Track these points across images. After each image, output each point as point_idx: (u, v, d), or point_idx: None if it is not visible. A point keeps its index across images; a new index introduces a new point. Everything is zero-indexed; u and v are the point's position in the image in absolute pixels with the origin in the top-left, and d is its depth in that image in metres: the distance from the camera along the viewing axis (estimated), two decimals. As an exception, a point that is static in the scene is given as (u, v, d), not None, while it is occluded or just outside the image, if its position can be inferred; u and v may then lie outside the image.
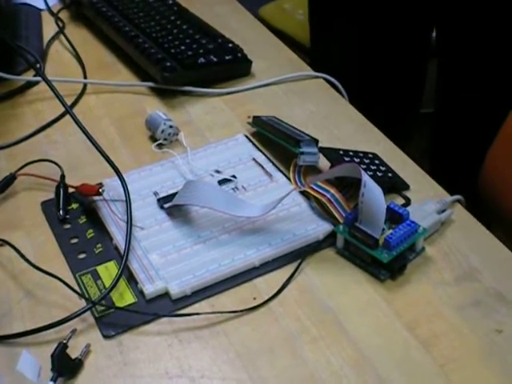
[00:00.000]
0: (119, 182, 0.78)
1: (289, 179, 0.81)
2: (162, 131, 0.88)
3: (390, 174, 0.81)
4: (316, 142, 0.82)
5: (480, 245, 0.74)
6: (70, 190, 0.81)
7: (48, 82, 0.85)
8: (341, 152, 0.82)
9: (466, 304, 0.67)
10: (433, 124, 1.46)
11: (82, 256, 0.74)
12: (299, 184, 0.79)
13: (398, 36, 1.30)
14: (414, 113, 1.49)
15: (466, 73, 1.28)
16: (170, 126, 0.89)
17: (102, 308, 0.68)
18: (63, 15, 1.21)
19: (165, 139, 0.89)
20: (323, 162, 0.82)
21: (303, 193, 0.79)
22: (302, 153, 0.80)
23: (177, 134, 0.90)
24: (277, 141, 0.85)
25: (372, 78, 1.35)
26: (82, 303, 0.68)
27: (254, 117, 0.90)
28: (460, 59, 1.28)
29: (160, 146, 0.88)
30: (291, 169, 0.81)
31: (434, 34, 1.36)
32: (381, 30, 1.30)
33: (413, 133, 1.52)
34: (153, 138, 0.90)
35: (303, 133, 0.84)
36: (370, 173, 0.78)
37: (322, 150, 0.82)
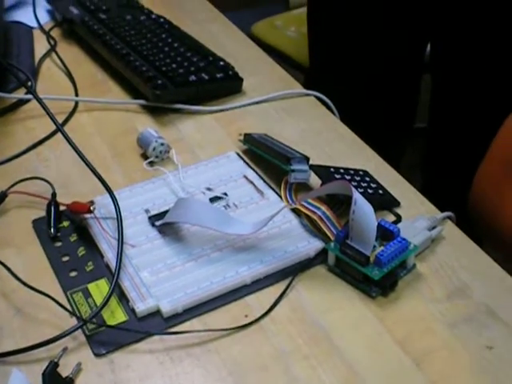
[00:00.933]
0: (110, 199, 0.78)
1: (280, 196, 0.81)
2: (154, 149, 0.89)
3: (380, 191, 0.81)
4: (307, 159, 0.82)
5: (471, 261, 0.74)
6: (61, 207, 0.81)
7: (39, 100, 0.85)
8: (331, 169, 0.82)
9: (458, 320, 0.67)
10: (425, 139, 1.47)
11: (73, 274, 0.74)
12: (290, 201, 0.79)
13: (392, 51, 1.31)
14: (407, 128, 1.50)
15: (459, 88, 1.29)
16: (162, 144, 0.89)
17: (93, 326, 0.68)
18: (55, 33, 1.21)
19: (156, 157, 0.89)
20: (314, 180, 0.83)
21: (294, 210, 0.79)
22: (293, 170, 0.80)
23: (168, 152, 0.90)
24: (268, 158, 0.85)
25: (366, 93, 1.36)
26: (73, 321, 0.68)
27: (246, 134, 0.90)
28: (454, 75, 1.29)
29: (151, 163, 0.88)
30: (282, 186, 0.81)
31: (427, 50, 1.37)
32: (376, 45, 1.30)
33: (406, 148, 1.53)
34: (144, 156, 0.90)
35: (294, 150, 0.85)
36: (361, 190, 0.79)
37: (313, 168, 0.82)
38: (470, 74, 1.25)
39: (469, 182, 1.04)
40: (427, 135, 1.46)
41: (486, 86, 1.25)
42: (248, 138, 0.90)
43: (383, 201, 0.80)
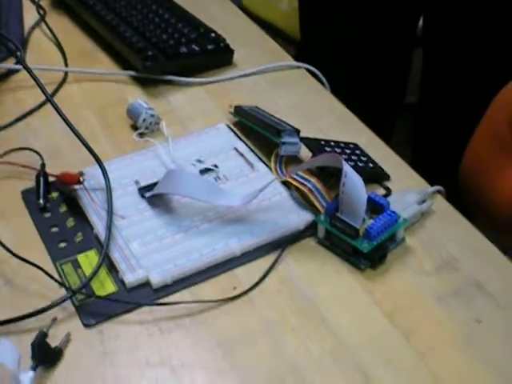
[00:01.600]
0: (100, 170, 0.77)
1: (270, 169, 0.81)
2: (144, 120, 0.88)
3: (370, 165, 0.81)
4: (297, 132, 0.82)
5: (460, 235, 0.74)
6: (51, 178, 0.80)
7: (29, 71, 0.84)
8: (322, 142, 0.82)
9: (446, 294, 0.68)
10: (416, 114, 1.47)
11: (62, 245, 0.74)
12: (280, 174, 0.79)
13: (384, 24, 1.31)
14: (398, 103, 1.50)
15: (451, 63, 1.29)
16: (152, 115, 0.89)
17: (83, 297, 0.68)
18: (44, 3, 1.20)
19: (146, 128, 0.89)
20: (304, 152, 0.82)
21: (284, 183, 0.79)
22: (284, 143, 0.80)
23: (158, 123, 0.89)
24: (258, 130, 0.85)
25: (357, 67, 1.36)
26: (63, 292, 0.68)
27: (236, 106, 0.90)
28: (446, 49, 1.29)
29: (141, 134, 0.88)
30: (272, 159, 0.81)
31: (419, 24, 1.36)
32: (367, 19, 1.30)
33: (396, 123, 1.53)
34: (134, 127, 0.90)
35: (285, 123, 0.84)
36: (351, 163, 0.79)
37: (304, 140, 0.82)
38: (462, 49, 1.25)
39: (458, 156, 1.04)
40: (417, 109, 1.46)
41: (478, 61, 1.24)
42: (238, 110, 0.90)
43: (373, 174, 0.80)
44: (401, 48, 1.39)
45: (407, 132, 1.54)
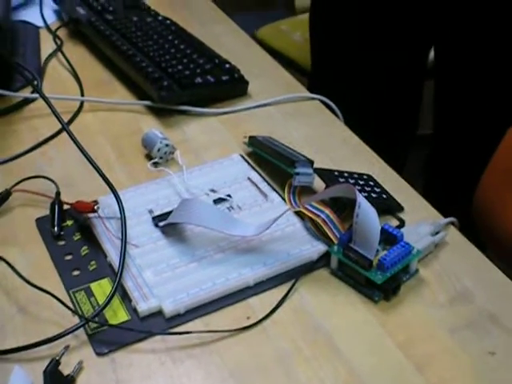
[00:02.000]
0: (114, 199, 0.78)
1: (284, 199, 0.81)
2: (158, 150, 0.89)
3: (384, 196, 0.81)
4: (311, 162, 0.83)
5: (473, 267, 0.74)
6: (65, 206, 0.81)
7: (45, 99, 0.85)
8: (336, 173, 0.83)
9: (460, 326, 0.67)
10: (428, 147, 1.47)
11: (75, 273, 0.74)
12: (294, 204, 0.79)
13: (395, 57, 1.32)
14: (411, 134, 1.50)
15: (463, 94, 1.29)
16: (166, 145, 0.89)
17: (95, 325, 0.68)
18: (61, 33, 1.21)
19: (160, 158, 0.89)
20: (318, 183, 0.83)
21: (298, 213, 0.79)
22: (298, 173, 0.80)
23: (173, 153, 0.90)
24: (272, 161, 0.85)
25: (368, 99, 1.36)
26: (75, 320, 0.68)
27: (250, 137, 0.91)
28: (459, 81, 1.29)
29: (156, 164, 0.89)
30: (286, 189, 0.81)
31: (430, 56, 1.37)
32: (378, 51, 1.31)
33: (408, 154, 1.53)
34: (149, 157, 0.90)
35: (298, 153, 0.85)
36: (365, 194, 0.79)
37: (317, 171, 0.82)
38: (474, 80, 1.25)
39: (472, 187, 1.04)
40: (431, 140, 1.46)
41: (491, 92, 1.25)
42: (253, 141, 0.90)
43: (387, 205, 0.80)
44: (412, 79, 1.39)
45: (420, 163, 1.54)
